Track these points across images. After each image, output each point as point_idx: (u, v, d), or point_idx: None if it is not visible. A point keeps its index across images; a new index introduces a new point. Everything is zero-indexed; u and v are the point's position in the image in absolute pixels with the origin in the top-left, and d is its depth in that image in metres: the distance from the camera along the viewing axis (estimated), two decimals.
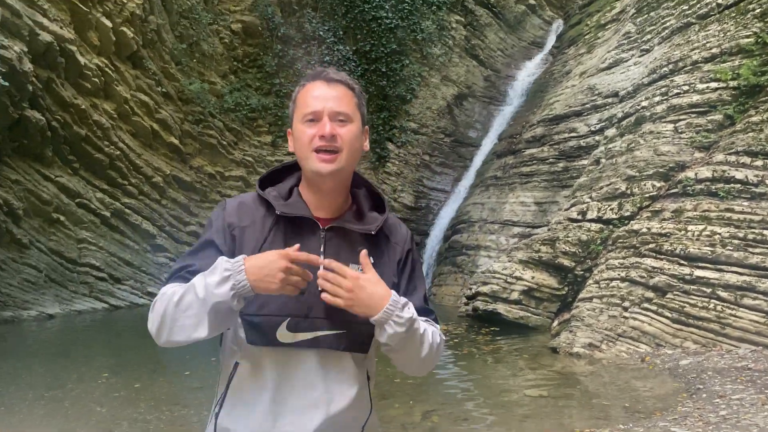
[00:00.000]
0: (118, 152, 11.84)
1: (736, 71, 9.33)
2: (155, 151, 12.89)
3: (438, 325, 1.54)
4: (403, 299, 1.40)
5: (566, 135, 13.21)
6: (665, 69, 10.75)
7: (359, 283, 1.34)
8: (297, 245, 1.34)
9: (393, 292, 1.38)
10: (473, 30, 18.14)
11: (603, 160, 11.03)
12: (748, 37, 9.42)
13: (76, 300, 11.06)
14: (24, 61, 9.20)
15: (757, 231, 7.05)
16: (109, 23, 11.19)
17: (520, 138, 14.56)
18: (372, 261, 1.43)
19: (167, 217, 13.21)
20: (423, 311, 1.50)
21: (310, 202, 1.50)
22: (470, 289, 10.35)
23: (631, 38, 13.07)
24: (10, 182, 10.02)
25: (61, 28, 10.25)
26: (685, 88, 9.95)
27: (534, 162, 13.50)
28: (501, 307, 9.30)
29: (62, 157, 11.02)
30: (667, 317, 7.12)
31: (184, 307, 1.32)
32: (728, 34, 9.83)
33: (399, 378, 6.57)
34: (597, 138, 12.31)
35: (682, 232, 7.66)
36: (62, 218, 10.99)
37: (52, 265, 10.79)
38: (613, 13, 15.60)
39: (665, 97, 10.21)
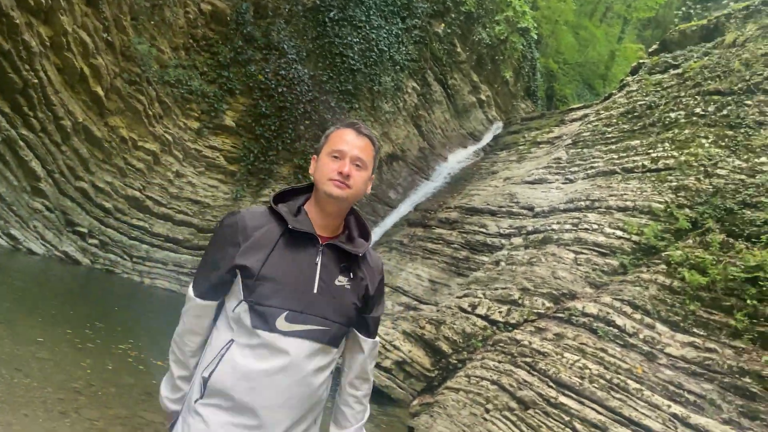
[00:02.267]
0: (36, 81, 10.92)
1: (642, 228, 10.24)
2: (75, 95, 12.01)
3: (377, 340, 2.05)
4: None
5: (476, 228, 13.76)
6: (582, 203, 11.58)
7: None
8: None
9: None
10: (424, 101, 18.75)
11: (503, 264, 11.56)
12: (660, 203, 10.41)
13: None
14: None
15: (622, 378, 7.59)
16: None
17: (434, 215, 14.99)
18: (351, 276, 1.85)
19: (61, 164, 12.22)
20: (375, 327, 2.00)
21: (314, 221, 1.87)
22: None
23: (561, 164, 14.03)
24: None
25: None
26: (595, 226, 10.75)
27: (440, 242, 13.89)
28: None
29: None
30: (522, 431, 7.41)
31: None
32: (644, 194, 10.81)
33: None
34: (503, 241, 12.93)
35: (559, 356, 8.10)
36: None
37: None
38: (551, 135, 16.75)
39: (574, 228, 10.97)
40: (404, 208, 17.05)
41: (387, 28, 16.94)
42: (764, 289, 7.87)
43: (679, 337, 8.27)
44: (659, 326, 8.57)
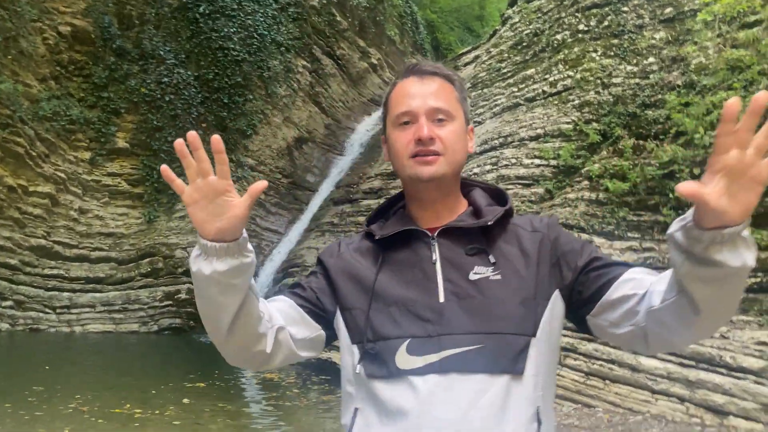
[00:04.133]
0: None
1: (557, 152, 10.51)
2: None
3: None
4: None
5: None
6: (495, 141, 11.76)
7: None
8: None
9: None
10: (318, 78, 18.39)
11: None
12: (567, 123, 10.71)
13: None
14: None
15: None
16: None
17: (357, 188, 14.85)
18: (493, 261, 1.19)
19: None
20: (613, 264, 1.18)
21: (417, 217, 1.31)
22: None
23: None
24: None
25: None
26: (513, 161, 10.95)
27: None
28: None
29: None
30: None
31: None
32: (551, 118, 11.08)
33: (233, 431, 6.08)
34: None
35: None
36: None
37: None
38: None
39: (494, 167, 11.14)
40: (326, 189, 16.80)
41: (262, 11, 16.36)
42: (682, 180, 8.26)
43: (617, 245, 8.60)
44: (596, 239, 8.87)
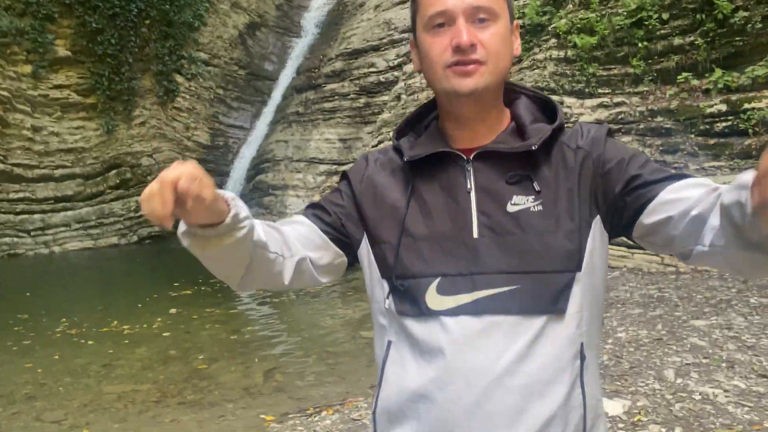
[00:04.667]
0: None
1: (522, 10, 10.00)
2: None
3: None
4: None
5: (366, 70, 13.20)
6: None
7: None
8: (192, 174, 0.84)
9: None
10: None
11: (404, 96, 11.25)
12: None
13: None
14: None
15: None
16: None
17: (319, 72, 14.23)
18: (537, 190, 1.03)
19: None
20: (655, 181, 1.00)
21: (451, 135, 1.12)
22: None
23: None
24: None
25: None
26: None
27: (335, 97, 13.33)
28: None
29: None
30: None
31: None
32: None
33: (224, 336, 6.16)
34: (396, 74, 12.50)
35: None
36: None
37: None
38: None
39: None
40: (286, 77, 16.09)
41: None
42: (650, 27, 7.94)
43: (588, 103, 8.42)
44: (567, 99, 8.67)
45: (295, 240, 1.12)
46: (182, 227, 0.96)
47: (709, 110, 7.01)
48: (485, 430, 1.00)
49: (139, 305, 7.77)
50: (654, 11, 7.87)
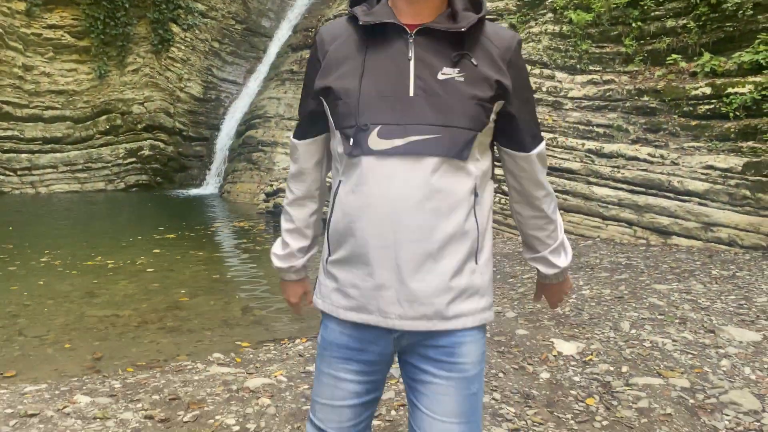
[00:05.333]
0: None
1: None
2: None
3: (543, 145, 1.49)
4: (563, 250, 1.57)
5: None
6: None
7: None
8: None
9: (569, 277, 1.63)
10: None
11: None
12: None
13: None
14: None
15: None
16: None
17: (316, 31, 14.17)
18: (462, 65, 1.33)
19: None
20: (533, 135, 1.44)
21: (399, 10, 1.38)
22: (270, 185, 10.13)
23: None
24: None
25: None
26: None
27: None
28: None
29: None
30: None
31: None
32: None
33: (206, 275, 6.31)
34: None
35: None
36: None
37: None
38: None
39: None
40: (283, 34, 15.99)
41: None
42: (645, 8, 8.05)
43: (579, 79, 8.55)
44: (558, 74, 8.80)
45: (313, 187, 1.59)
46: (278, 250, 1.68)
47: (693, 92, 7.18)
48: (409, 240, 1.31)
49: (123, 244, 7.89)
50: None
